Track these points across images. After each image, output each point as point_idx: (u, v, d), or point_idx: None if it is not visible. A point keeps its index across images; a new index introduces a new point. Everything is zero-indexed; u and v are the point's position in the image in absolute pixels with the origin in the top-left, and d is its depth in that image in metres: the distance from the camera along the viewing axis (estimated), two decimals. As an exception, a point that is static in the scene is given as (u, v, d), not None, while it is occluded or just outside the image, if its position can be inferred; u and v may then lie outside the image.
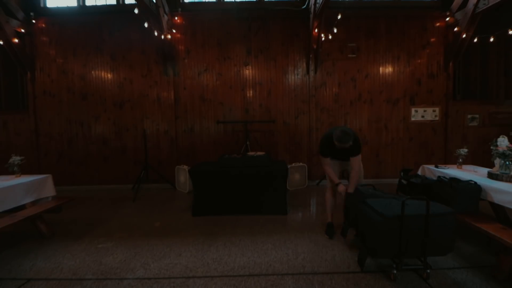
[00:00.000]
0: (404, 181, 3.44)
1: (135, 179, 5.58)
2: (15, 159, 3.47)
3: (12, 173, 3.49)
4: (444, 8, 5.72)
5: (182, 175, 5.45)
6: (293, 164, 5.49)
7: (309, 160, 5.93)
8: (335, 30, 5.17)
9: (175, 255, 2.88)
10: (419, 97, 5.90)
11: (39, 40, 5.79)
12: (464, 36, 5.29)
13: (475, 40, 5.37)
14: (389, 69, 5.87)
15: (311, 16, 5.28)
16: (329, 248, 2.97)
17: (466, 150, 3.61)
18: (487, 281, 2.34)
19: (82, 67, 5.83)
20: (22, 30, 5.58)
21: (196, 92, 5.88)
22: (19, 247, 3.13)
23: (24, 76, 5.83)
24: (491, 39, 5.26)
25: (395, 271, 2.32)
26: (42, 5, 5.86)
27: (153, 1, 4.87)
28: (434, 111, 5.91)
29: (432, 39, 5.81)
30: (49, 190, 3.61)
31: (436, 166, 3.73)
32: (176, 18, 5.73)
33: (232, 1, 5.88)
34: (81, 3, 5.88)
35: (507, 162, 2.79)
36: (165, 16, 5.34)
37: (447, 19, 5.68)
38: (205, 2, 5.96)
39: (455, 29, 5.40)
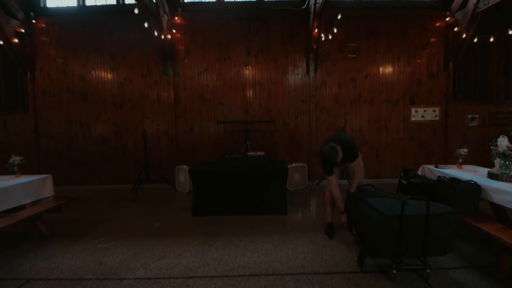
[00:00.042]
0: (404, 181, 3.44)
1: (135, 179, 5.58)
2: (15, 159, 3.47)
3: (12, 173, 3.49)
4: (444, 8, 5.72)
5: (182, 175, 5.45)
6: (293, 164, 5.49)
7: (309, 160, 5.93)
8: (335, 30, 5.18)
9: (175, 255, 2.88)
10: (419, 97, 5.90)
11: (39, 40, 5.79)
12: (464, 36, 5.30)
13: (475, 40, 5.37)
14: (389, 69, 5.87)
15: (311, 16, 5.28)
16: (329, 248, 2.97)
17: (466, 150, 3.62)
18: (487, 281, 2.34)
19: (82, 67, 5.83)
20: (22, 30, 5.59)
21: (196, 92, 5.88)
22: (19, 247, 3.13)
23: (24, 76, 5.83)
24: (491, 39, 5.26)
25: (395, 271, 2.32)
26: (42, 5, 5.86)
27: (153, 1, 4.87)
28: (434, 111, 5.91)
29: (432, 39, 5.81)
30: (49, 190, 3.62)
31: (436, 166, 3.73)
32: (176, 18, 5.72)
33: (232, 1, 5.88)
34: (81, 3, 5.88)
35: (507, 162, 2.79)
36: (165, 16, 5.34)
37: (447, 19, 5.68)
38: (205, 2, 5.96)
39: (455, 29, 5.40)
